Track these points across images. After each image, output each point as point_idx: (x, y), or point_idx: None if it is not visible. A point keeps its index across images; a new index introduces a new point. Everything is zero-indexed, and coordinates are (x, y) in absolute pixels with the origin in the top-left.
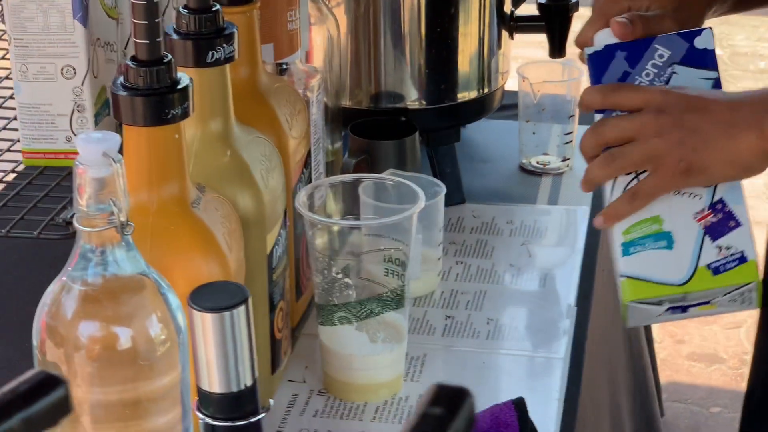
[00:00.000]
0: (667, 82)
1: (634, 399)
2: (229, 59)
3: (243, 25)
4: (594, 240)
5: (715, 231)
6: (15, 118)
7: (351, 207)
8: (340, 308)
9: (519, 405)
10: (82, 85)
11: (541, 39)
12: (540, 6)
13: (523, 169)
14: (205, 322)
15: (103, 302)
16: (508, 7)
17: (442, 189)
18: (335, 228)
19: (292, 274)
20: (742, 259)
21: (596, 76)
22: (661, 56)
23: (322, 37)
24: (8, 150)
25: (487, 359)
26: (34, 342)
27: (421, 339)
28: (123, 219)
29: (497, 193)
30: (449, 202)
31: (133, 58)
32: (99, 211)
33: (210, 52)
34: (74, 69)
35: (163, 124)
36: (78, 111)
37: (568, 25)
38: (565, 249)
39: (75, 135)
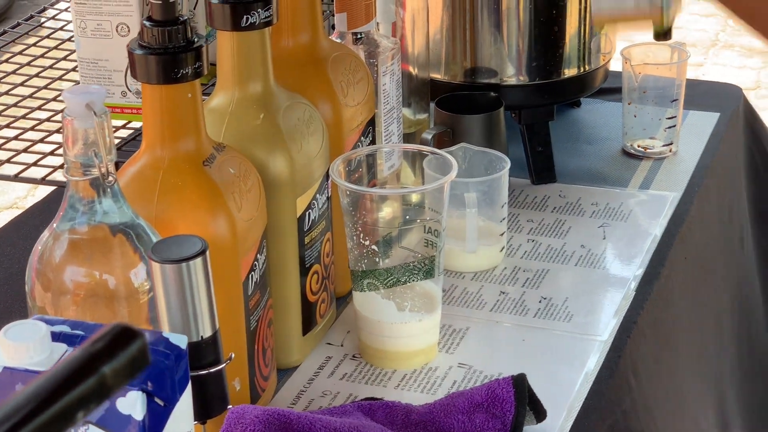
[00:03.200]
0: None
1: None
2: (266, 23)
3: None
4: (675, 227)
5: None
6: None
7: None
8: (367, 275)
9: (517, 381)
10: None
11: None
12: None
13: (625, 152)
14: (162, 272)
15: (88, 250)
16: None
17: (507, 164)
18: (368, 196)
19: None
20: None
21: None
22: None
23: (412, 10)
24: None
25: (528, 336)
26: (27, 288)
27: (468, 312)
28: (104, 170)
29: (592, 175)
30: (538, 180)
31: (149, 18)
32: (83, 162)
33: (245, 16)
34: (128, 27)
35: (174, 83)
36: None
37: None
38: (641, 234)
39: (129, 91)
